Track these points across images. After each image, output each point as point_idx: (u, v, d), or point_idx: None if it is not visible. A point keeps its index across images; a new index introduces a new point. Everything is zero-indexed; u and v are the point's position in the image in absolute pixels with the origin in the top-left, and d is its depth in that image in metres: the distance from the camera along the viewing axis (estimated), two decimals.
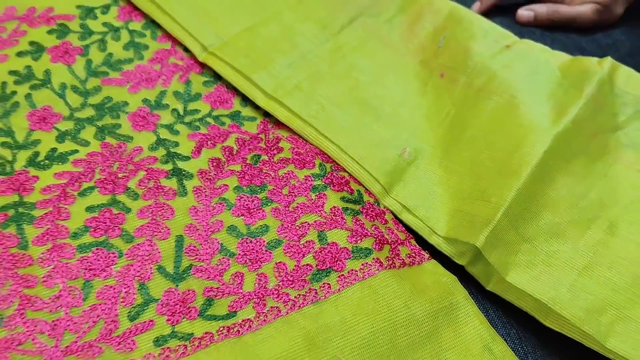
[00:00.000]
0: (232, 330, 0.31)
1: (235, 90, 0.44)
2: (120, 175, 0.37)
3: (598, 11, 0.56)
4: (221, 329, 0.31)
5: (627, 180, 0.41)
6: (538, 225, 0.38)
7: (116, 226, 0.34)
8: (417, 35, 0.49)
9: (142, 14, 0.47)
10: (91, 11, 0.46)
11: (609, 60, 0.45)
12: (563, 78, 0.45)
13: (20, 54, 0.43)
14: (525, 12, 0.56)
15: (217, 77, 0.44)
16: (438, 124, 0.43)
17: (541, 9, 0.56)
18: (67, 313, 0.31)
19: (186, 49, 0.45)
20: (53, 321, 0.31)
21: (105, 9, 0.47)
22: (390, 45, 0.48)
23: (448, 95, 0.45)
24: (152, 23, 0.47)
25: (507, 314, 0.37)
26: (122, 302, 0.32)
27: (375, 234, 0.36)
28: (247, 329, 0.31)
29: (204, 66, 0.45)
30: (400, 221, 0.39)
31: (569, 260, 0.37)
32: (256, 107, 0.43)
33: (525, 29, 0.56)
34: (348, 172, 0.40)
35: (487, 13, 0.57)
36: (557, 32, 0.56)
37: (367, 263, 0.35)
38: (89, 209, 0.35)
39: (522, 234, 0.37)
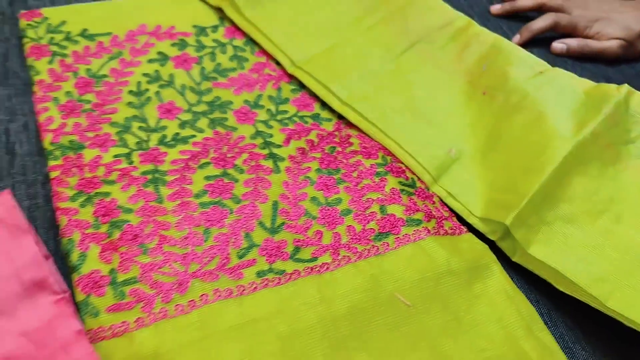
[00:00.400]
0: (314, 270, 0.41)
1: (316, 97, 0.54)
2: (228, 155, 0.48)
3: (623, 46, 0.65)
4: (306, 268, 0.41)
5: (634, 184, 0.49)
6: (556, 213, 0.47)
7: (227, 191, 0.45)
8: (464, 61, 0.59)
9: (243, 33, 0.58)
10: (203, 30, 0.58)
11: (625, 87, 0.54)
12: (586, 100, 0.54)
13: (150, 60, 0.54)
14: (558, 45, 0.66)
15: (302, 86, 0.55)
16: (479, 131, 0.53)
17: (573, 42, 0.65)
18: (192, 249, 0.42)
19: (278, 63, 0.56)
20: (183, 254, 0.41)
21: (215, 28, 0.58)
22: (442, 67, 0.58)
23: (488, 109, 0.54)
24: (251, 41, 0.58)
25: (528, 282, 0.46)
26: (232, 245, 0.42)
27: (425, 210, 0.46)
28: (325, 270, 0.41)
29: (291, 77, 0.56)
30: (445, 204, 0.48)
31: (580, 241, 0.46)
32: (332, 111, 0.54)
33: (559, 59, 0.66)
34: (404, 164, 0.50)
35: (525, 44, 0.66)
36: (586, 62, 0.66)
37: (418, 230, 0.44)
38: (207, 177, 0.46)
39: (543, 219, 0.46)
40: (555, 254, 0.45)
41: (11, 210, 0.39)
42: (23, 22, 0.55)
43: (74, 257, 0.40)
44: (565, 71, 0.57)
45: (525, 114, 0.52)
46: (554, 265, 0.44)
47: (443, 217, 0.47)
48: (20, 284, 0.37)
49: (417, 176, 0.49)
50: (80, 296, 0.38)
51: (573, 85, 0.55)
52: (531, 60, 0.57)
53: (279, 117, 0.52)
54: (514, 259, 0.46)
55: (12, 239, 0.38)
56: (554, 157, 0.48)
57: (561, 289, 0.44)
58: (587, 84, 0.56)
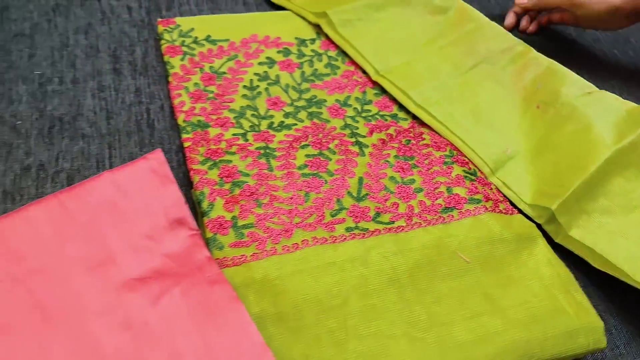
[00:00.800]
0: (391, 230, 0.51)
1: (394, 101, 0.65)
2: (323, 140, 0.59)
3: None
4: (384, 228, 0.52)
5: None
6: (595, 205, 0.56)
7: (323, 166, 0.56)
8: (522, 79, 0.68)
9: (336, 46, 0.70)
10: (304, 42, 0.70)
11: None
12: (627, 117, 0.62)
13: (260, 63, 0.66)
14: None
15: (383, 91, 0.66)
16: (532, 137, 0.62)
17: None
18: (296, 207, 0.52)
19: (364, 71, 0.68)
20: (289, 210, 0.52)
21: (312, 41, 0.70)
22: (502, 84, 0.68)
23: (541, 120, 0.63)
24: (342, 53, 0.69)
25: (567, 261, 0.54)
26: (326, 207, 0.53)
27: (484, 193, 0.56)
28: (401, 230, 0.51)
29: (375, 83, 0.67)
30: (500, 191, 0.58)
31: (614, 228, 0.54)
32: (408, 112, 0.64)
33: (606, 83, 0.74)
34: (468, 157, 0.60)
35: (577, 68, 0.74)
36: (633, 87, 0.74)
37: (477, 207, 0.54)
38: (307, 155, 0.57)
39: (583, 209, 0.55)
40: (592, 236, 0.54)
41: (162, 164, 0.51)
42: (160, 28, 0.68)
43: (205, 205, 0.51)
44: (611, 93, 0.65)
45: (573, 125, 0.61)
46: (590, 245, 0.53)
47: (498, 200, 0.56)
48: (167, 219, 0.49)
49: (478, 168, 0.59)
50: (209, 234, 0.50)
51: (617, 104, 0.63)
52: (581, 83, 0.66)
53: (363, 114, 0.63)
54: (556, 240, 0.55)
55: (162, 185, 0.50)
56: (596, 160, 0.57)
57: (596, 265, 0.52)
58: (629, 104, 0.64)
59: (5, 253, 0.46)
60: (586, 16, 0.73)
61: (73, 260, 0.46)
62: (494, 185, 0.58)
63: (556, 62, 0.69)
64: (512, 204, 0.57)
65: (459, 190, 0.56)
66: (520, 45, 0.71)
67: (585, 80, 0.67)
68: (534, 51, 0.71)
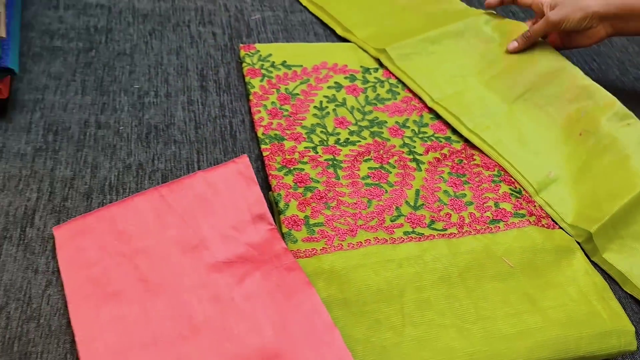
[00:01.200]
0: (444, 235, 0.58)
1: (448, 125, 0.72)
2: (384, 156, 0.66)
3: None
4: (438, 234, 0.58)
5: None
6: (629, 231, 0.61)
7: (384, 178, 0.63)
8: (566, 108, 0.73)
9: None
10: (368, 70, 0.78)
11: None
12: None
13: (329, 87, 0.75)
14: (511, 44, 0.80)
15: (439, 116, 0.73)
16: (573, 163, 0.68)
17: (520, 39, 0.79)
18: (359, 211, 0.60)
19: (421, 99, 0.75)
20: (353, 213, 0.59)
21: (376, 69, 0.78)
22: (546, 112, 0.73)
23: (583, 147, 0.69)
24: (402, 81, 0.77)
25: (604, 274, 0.60)
26: (386, 213, 0.60)
27: (528, 209, 0.62)
28: (453, 237, 0.58)
29: (431, 109, 0.74)
30: (543, 210, 0.64)
31: None
32: (460, 136, 0.71)
33: None
34: (514, 178, 0.66)
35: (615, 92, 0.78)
36: None
37: (522, 220, 0.60)
38: (369, 168, 0.64)
39: (618, 233, 0.61)
40: (624, 261, 0.60)
41: (247, 168, 0.59)
42: (242, 52, 0.77)
43: (281, 205, 0.59)
44: None
45: (613, 155, 0.66)
46: (621, 270, 0.59)
47: (541, 216, 0.62)
48: (250, 214, 0.57)
49: (523, 188, 0.66)
50: (284, 229, 0.57)
51: None
52: (621, 113, 0.70)
53: (420, 135, 0.70)
54: (593, 259, 0.61)
55: (247, 186, 0.58)
56: (632, 189, 0.62)
57: (626, 289, 0.59)
58: None
59: (115, 234, 0.55)
60: (565, 20, 0.74)
61: (171, 242, 0.55)
62: (537, 203, 0.65)
63: (601, 87, 0.72)
64: (553, 220, 0.63)
65: (506, 206, 0.62)
66: (568, 69, 0.75)
67: (626, 110, 0.70)
68: (584, 78, 0.74)
